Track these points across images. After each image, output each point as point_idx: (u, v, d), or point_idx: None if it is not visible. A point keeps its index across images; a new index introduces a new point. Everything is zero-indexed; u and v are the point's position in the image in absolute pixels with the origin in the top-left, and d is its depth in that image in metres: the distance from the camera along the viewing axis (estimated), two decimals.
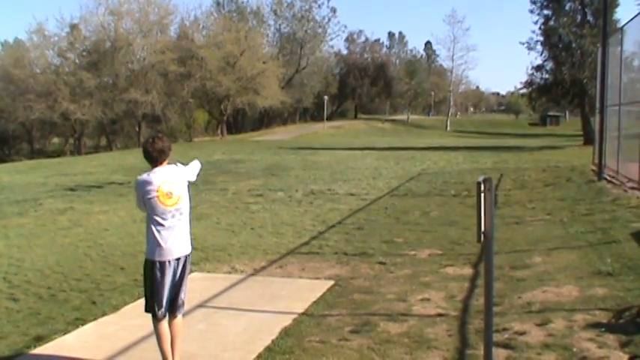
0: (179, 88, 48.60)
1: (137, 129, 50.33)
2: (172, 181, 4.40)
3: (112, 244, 9.38)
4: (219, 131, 55.50)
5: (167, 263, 4.33)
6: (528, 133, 64.90)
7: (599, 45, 16.94)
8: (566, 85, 32.85)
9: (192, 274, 6.05)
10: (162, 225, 4.32)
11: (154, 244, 4.32)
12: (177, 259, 4.39)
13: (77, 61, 49.22)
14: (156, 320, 4.40)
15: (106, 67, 47.25)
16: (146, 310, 4.43)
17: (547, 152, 28.63)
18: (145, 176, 4.38)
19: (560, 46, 32.93)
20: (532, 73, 35.26)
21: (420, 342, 4.86)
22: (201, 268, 7.61)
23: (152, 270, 4.33)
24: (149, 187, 4.32)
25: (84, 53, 48.80)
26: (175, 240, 4.36)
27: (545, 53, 34.32)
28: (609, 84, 15.14)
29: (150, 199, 4.31)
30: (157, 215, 4.32)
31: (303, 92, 72.39)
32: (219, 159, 26.74)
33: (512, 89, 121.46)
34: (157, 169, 4.40)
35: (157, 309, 4.36)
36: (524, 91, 38.47)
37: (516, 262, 7.27)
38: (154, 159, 4.39)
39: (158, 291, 4.33)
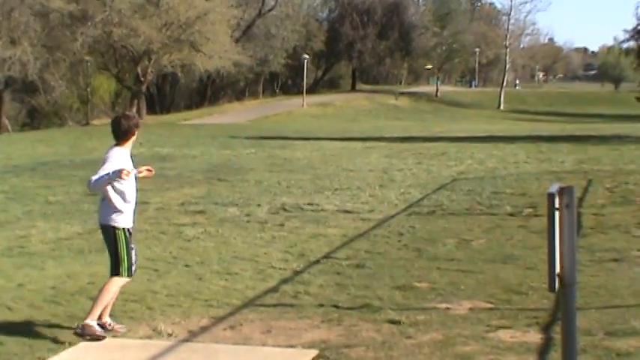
0: (68, 38, 48.49)
1: None
2: None
3: None
4: (134, 109, 55.42)
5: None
6: (635, 115, 65.00)
7: None
8: None
9: (87, 342, 5.97)
10: (129, 201, 7.55)
11: (125, 213, 7.44)
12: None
13: None
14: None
15: None
16: (128, 275, 7.32)
17: None
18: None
19: None
20: None
21: None
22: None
23: (126, 236, 7.36)
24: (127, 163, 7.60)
25: None
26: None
27: None
28: None
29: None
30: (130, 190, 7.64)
31: (270, 48, 72.59)
32: (134, 154, 26.59)
33: (608, 43, 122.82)
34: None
35: (133, 269, 7.40)
36: (629, 44, 38.69)
37: (615, 323, 7.29)
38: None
39: (131, 253, 7.39)
